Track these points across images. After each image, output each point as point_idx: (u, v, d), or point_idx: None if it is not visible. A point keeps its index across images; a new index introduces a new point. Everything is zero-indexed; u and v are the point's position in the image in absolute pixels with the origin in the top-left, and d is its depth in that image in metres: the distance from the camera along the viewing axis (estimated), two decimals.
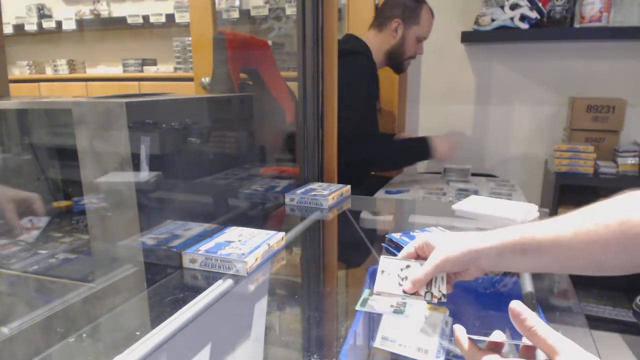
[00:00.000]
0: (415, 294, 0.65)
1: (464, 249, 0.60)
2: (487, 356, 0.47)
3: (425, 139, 1.75)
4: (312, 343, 0.64)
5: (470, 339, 0.50)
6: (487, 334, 0.50)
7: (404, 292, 0.65)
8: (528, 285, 0.77)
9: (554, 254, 0.57)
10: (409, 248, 0.69)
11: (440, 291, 0.64)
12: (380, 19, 1.84)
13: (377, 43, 1.82)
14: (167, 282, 0.80)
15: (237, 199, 1.20)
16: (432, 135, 1.77)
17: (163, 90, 1.27)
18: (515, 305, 0.48)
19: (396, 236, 0.93)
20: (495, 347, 0.49)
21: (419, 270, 0.64)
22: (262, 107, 1.43)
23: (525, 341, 0.48)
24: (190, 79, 2.34)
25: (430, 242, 0.65)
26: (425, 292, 0.64)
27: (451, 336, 0.62)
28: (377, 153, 1.74)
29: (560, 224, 0.57)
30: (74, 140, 0.79)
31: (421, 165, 2.54)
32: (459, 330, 0.52)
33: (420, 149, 1.75)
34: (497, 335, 0.49)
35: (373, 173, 2.19)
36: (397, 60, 1.87)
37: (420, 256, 0.68)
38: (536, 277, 0.81)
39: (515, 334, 0.49)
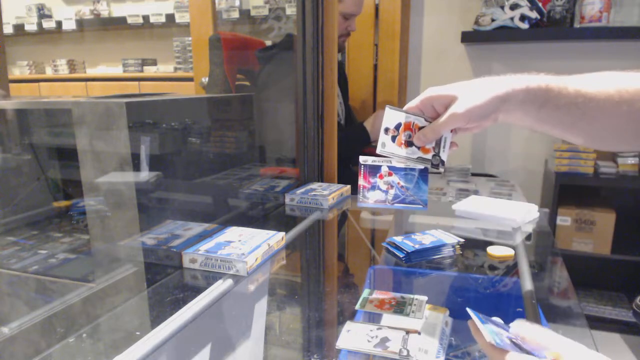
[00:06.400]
0: (422, 150, 0.60)
1: (489, 97, 0.56)
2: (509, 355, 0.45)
3: (360, 124, 1.78)
4: (312, 343, 0.64)
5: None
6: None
7: (415, 145, 0.59)
8: (528, 285, 0.77)
9: (581, 108, 0.54)
10: (412, 103, 0.62)
11: (442, 157, 0.60)
12: None
13: None
14: (167, 282, 0.79)
15: (237, 199, 1.20)
16: (364, 121, 1.81)
17: (163, 90, 1.27)
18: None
19: (398, 239, 0.93)
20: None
21: (441, 119, 0.58)
22: (262, 107, 1.43)
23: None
24: (190, 79, 2.34)
25: (443, 92, 0.59)
26: (433, 155, 0.61)
27: (451, 336, 0.62)
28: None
29: (590, 79, 0.55)
30: (74, 140, 0.79)
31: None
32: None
33: (358, 133, 1.77)
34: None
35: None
36: None
37: (425, 113, 0.62)
38: (536, 277, 0.81)
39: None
